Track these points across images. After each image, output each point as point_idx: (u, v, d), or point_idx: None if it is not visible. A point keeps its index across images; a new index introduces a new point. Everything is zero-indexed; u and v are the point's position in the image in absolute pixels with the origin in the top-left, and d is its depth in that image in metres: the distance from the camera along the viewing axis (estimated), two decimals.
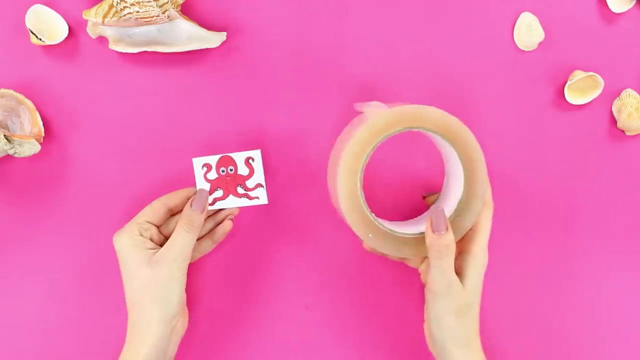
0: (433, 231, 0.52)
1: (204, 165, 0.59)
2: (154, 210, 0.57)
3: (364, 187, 0.52)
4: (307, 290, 0.63)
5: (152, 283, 0.54)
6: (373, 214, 0.54)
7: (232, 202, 0.59)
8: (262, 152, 0.59)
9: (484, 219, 0.55)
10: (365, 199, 0.53)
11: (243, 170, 0.59)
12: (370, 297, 0.63)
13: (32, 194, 0.62)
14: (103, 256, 0.62)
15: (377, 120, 0.53)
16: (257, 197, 0.59)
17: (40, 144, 0.60)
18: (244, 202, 0.59)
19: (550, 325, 0.63)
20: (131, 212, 0.62)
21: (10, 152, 0.58)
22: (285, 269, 0.63)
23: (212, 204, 0.59)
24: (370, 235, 0.54)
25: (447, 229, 0.52)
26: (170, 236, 0.57)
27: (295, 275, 0.63)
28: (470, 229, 0.55)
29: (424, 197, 0.61)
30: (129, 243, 0.55)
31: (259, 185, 0.59)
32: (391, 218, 0.59)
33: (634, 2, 0.64)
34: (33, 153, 0.59)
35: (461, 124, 0.53)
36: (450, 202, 0.55)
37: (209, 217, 0.60)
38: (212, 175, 0.59)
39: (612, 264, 0.64)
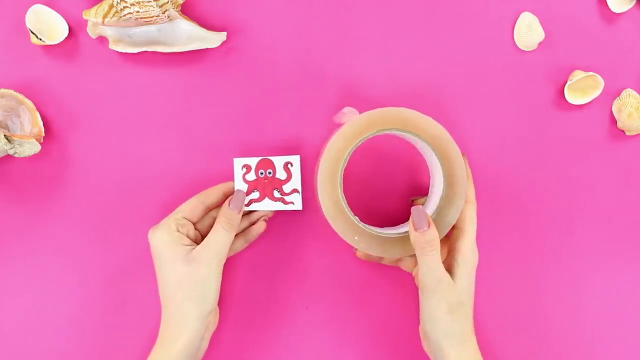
0: (415, 229, 0.52)
1: (244, 166, 0.59)
2: (192, 207, 0.57)
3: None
4: (307, 290, 0.63)
5: (189, 280, 0.54)
6: (357, 217, 0.54)
7: (267, 205, 0.59)
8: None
9: (468, 217, 0.55)
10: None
11: (281, 174, 0.59)
12: (370, 297, 0.63)
13: (32, 194, 0.62)
14: (103, 255, 0.62)
15: (350, 126, 0.53)
16: (292, 203, 0.59)
17: (40, 144, 0.60)
18: (279, 206, 0.59)
19: (550, 325, 0.63)
20: (131, 211, 0.62)
21: (10, 152, 0.58)
22: (287, 270, 0.63)
23: (248, 204, 0.59)
24: (356, 237, 0.55)
25: (429, 225, 0.52)
26: (205, 232, 0.58)
27: (296, 276, 0.63)
28: (457, 228, 0.55)
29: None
30: (167, 239, 0.55)
31: (295, 190, 0.59)
32: (382, 225, 0.59)
33: (634, 2, 0.64)
34: (33, 153, 0.59)
35: (435, 122, 0.54)
36: (433, 199, 0.56)
37: (243, 216, 0.60)
38: (251, 176, 0.59)
39: (611, 263, 0.64)
